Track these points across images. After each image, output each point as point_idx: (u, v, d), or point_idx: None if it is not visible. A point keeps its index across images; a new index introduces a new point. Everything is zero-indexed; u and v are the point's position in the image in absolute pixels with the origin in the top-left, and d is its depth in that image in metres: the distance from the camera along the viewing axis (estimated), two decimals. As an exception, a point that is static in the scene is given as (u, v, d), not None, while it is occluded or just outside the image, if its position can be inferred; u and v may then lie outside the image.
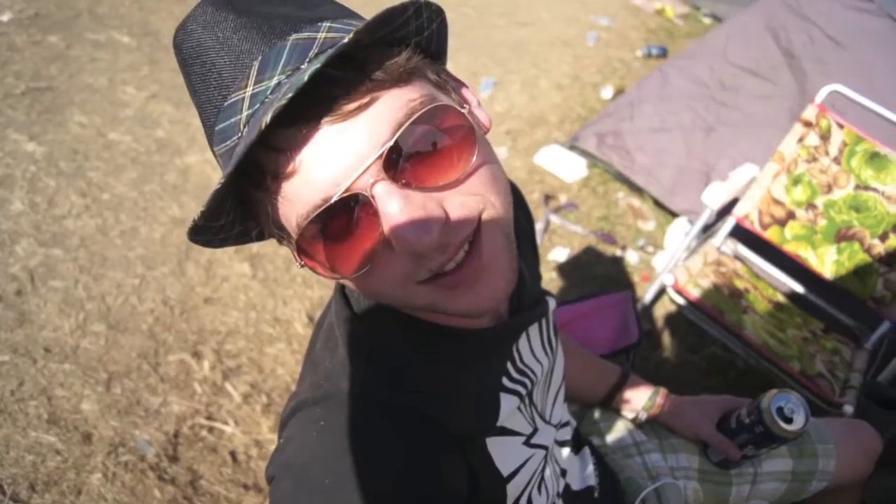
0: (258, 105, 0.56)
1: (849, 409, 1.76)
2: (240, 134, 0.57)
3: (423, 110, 0.57)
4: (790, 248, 2.14)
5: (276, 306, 2.28)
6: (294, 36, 0.57)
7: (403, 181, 0.57)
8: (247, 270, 2.38)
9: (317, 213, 0.56)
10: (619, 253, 2.87)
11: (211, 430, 1.89)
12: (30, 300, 2.11)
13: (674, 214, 3.04)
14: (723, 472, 1.25)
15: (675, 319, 2.53)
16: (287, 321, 2.23)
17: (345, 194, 0.56)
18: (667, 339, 2.47)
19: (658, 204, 3.10)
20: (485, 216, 0.62)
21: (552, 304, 1.00)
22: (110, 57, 3.26)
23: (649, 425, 1.29)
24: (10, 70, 3.01)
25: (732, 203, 2.24)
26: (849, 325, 2.19)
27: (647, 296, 2.14)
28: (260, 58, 0.56)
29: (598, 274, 2.74)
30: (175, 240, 2.42)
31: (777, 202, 2.16)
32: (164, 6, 3.81)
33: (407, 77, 0.59)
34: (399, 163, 0.57)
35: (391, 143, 0.55)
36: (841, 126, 2.08)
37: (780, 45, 2.65)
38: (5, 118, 2.76)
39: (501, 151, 3.40)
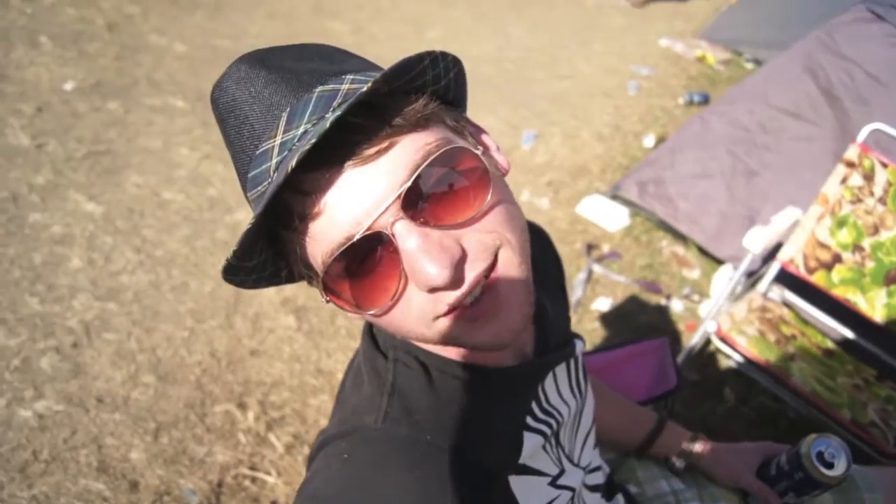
0: (286, 152, 0.60)
1: (905, 459, 1.69)
2: (270, 179, 0.61)
3: (438, 153, 0.61)
4: (838, 292, 2.09)
5: (319, 358, 2.31)
6: (319, 88, 0.62)
7: (422, 220, 0.61)
8: (292, 323, 2.43)
9: (340, 250, 0.60)
10: (663, 302, 2.83)
11: (254, 479, 1.91)
12: (85, 352, 2.19)
13: (719, 262, 2.99)
14: (765, 523, 1.21)
15: (723, 369, 2.47)
16: (330, 373, 2.26)
17: (367, 233, 0.59)
18: (714, 389, 2.41)
19: (703, 251, 3.06)
20: (501, 253, 0.65)
21: (580, 346, 1.01)
22: (165, 120, 3.44)
23: (688, 473, 1.26)
24: (73, 135, 3.20)
25: (777, 248, 2.20)
26: (904, 371, 2.11)
27: (691, 344, 2.10)
28: (288, 109, 0.61)
29: (642, 323, 2.71)
30: (224, 293, 2.50)
31: (822, 245, 2.11)
32: (216, 72, 3.99)
33: (424, 122, 0.63)
34: (417, 203, 0.61)
35: (409, 183, 0.59)
36: (885, 165, 2.04)
37: (819, 86, 2.63)
38: (67, 180, 2.92)
39: (543, 202, 3.42)
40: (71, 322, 2.29)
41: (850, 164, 2.10)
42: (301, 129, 0.60)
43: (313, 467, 0.73)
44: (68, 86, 3.55)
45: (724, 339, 1.98)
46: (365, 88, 0.57)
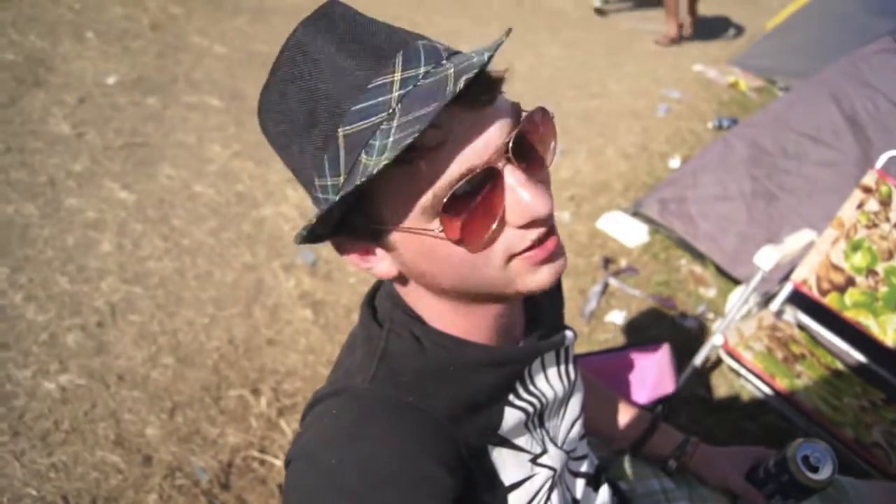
0: (411, 87, 0.62)
1: (906, 481, 1.69)
2: (391, 110, 0.62)
3: (531, 112, 0.70)
4: (850, 315, 2.09)
5: (333, 351, 2.37)
6: (420, 41, 0.66)
7: (521, 163, 0.68)
8: (309, 316, 2.50)
9: (461, 181, 0.64)
10: (677, 318, 2.84)
11: (262, 462, 1.97)
12: (109, 331, 2.28)
13: (736, 282, 3.00)
14: (754, 526, 1.23)
15: (733, 386, 2.48)
16: (343, 365, 2.31)
17: (485, 166, 0.65)
18: (723, 405, 2.42)
19: (720, 271, 3.07)
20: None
21: (571, 337, 1.05)
22: (201, 118, 3.55)
23: (679, 474, 1.29)
24: (111, 126, 3.31)
25: (793, 271, 2.21)
26: (913, 397, 2.10)
27: (699, 357, 2.12)
28: (402, 52, 0.64)
29: (654, 337, 2.72)
30: (245, 284, 2.58)
31: (836, 268, 2.12)
32: (252, 74, 4.13)
33: (503, 83, 0.70)
34: (518, 151, 0.68)
35: (515, 132, 0.67)
36: (902, 192, 2.05)
37: (843, 113, 2.65)
38: (103, 169, 3.03)
39: (564, 216, 3.46)
40: (98, 302, 2.38)
41: (868, 190, 2.11)
42: (422, 70, 0.63)
43: (305, 423, 0.79)
44: (111, 80, 3.68)
45: (730, 354, 2.00)
46: (495, 44, 0.64)
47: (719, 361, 2.07)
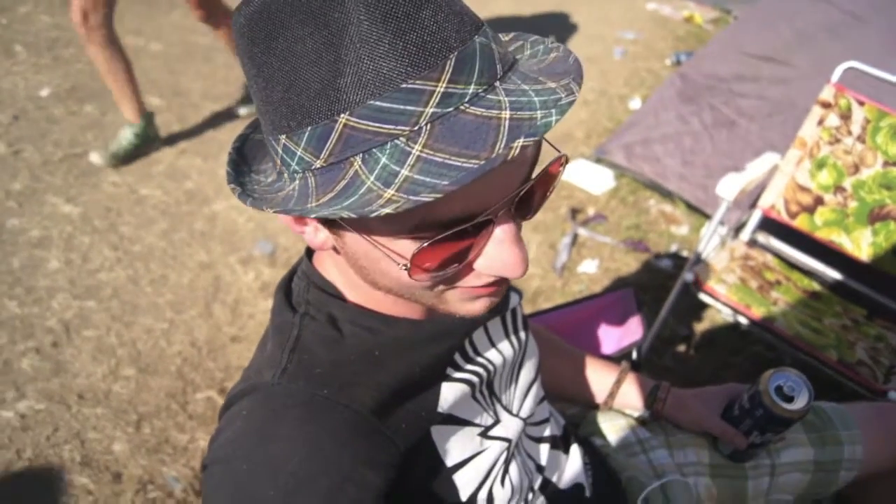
0: (450, 109, 0.50)
1: (894, 395, 1.64)
2: (416, 127, 0.50)
3: (552, 163, 0.63)
4: (822, 234, 2.04)
5: (302, 340, 2.29)
6: (479, 38, 0.53)
7: (516, 212, 0.60)
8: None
9: (460, 227, 0.56)
10: (651, 260, 2.79)
11: (237, 464, 1.90)
12: (65, 350, 2.18)
13: (708, 217, 2.94)
14: (737, 466, 1.17)
15: (714, 321, 2.43)
16: (313, 353, 2.24)
17: (482, 217, 0.56)
18: (706, 342, 2.37)
19: (691, 207, 3.00)
20: None
21: (516, 299, 0.98)
22: (143, 118, 3.41)
23: (654, 422, 1.23)
24: (50, 139, 3.17)
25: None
26: (894, 308, 2.06)
27: (671, 297, 2.06)
28: (457, 53, 0.51)
29: (630, 283, 2.66)
30: (203, 283, 2.48)
31: (803, 189, 2.06)
32: (192, 68, 3.98)
33: None
34: (521, 201, 0.60)
35: (530, 183, 0.59)
36: (861, 103, 1.98)
37: (794, 29, 2.57)
38: (44, 184, 2.90)
39: (528, 171, 3.37)
40: (50, 322, 2.28)
41: (826, 105, 2.04)
42: (471, 90, 0.51)
43: (218, 427, 0.72)
44: (44, 92, 3.53)
45: (703, 290, 1.93)
46: (570, 98, 0.52)
47: (697, 298, 2.01)
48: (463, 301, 0.67)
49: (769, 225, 2.22)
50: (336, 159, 0.52)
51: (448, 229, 0.55)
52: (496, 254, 0.60)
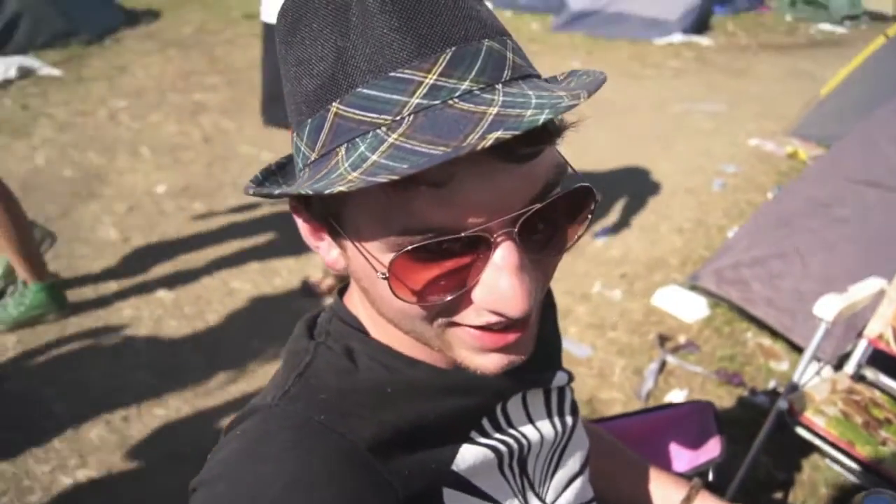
0: (437, 102, 0.49)
1: None
2: (398, 117, 0.49)
3: (573, 183, 0.57)
4: (940, 371, 1.82)
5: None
6: (487, 42, 0.52)
7: (523, 240, 0.54)
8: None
9: (440, 238, 0.51)
10: (746, 395, 2.57)
11: None
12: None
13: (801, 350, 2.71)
14: None
15: (818, 468, 2.18)
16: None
17: (478, 233, 0.52)
18: (800, 482, 2.12)
19: (793, 344, 2.78)
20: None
21: (563, 377, 0.89)
22: (244, 218, 3.63)
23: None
24: (157, 231, 3.41)
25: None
26: None
27: (763, 430, 1.87)
28: (454, 48, 0.50)
29: (722, 418, 2.44)
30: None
31: (916, 318, 1.87)
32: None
33: (559, 136, 0.54)
34: (529, 226, 0.54)
35: (540, 205, 0.53)
36: (981, 229, 1.82)
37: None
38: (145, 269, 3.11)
39: (615, 294, 3.27)
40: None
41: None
42: (464, 86, 0.49)
43: (213, 450, 0.67)
44: (160, 189, 3.83)
45: (799, 421, 1.74)
46: (575, 102, 0.48)
47: (792, 433, 1.82)
48: (471, 351, 0.61)
49: (877, 358, 2.01)
50: (326, 150, 0.51)
51: (428, 239, 0.51)
52: (492, 282, 0.53)
